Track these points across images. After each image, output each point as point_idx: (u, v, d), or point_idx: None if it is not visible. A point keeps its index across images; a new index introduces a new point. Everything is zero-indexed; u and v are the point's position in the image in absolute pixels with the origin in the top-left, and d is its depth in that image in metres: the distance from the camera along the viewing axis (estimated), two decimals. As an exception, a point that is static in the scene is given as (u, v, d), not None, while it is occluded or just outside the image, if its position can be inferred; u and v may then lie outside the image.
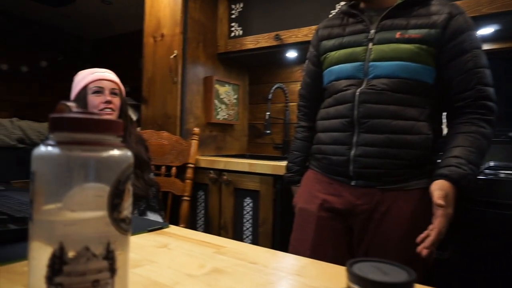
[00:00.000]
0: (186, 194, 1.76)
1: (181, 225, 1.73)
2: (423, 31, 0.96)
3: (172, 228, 0.75)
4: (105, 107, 1.37)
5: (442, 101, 1.03)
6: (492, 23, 1.46)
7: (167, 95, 2.00)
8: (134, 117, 2.30)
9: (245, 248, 0.62)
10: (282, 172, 1.54)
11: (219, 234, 1.73)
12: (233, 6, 2.13)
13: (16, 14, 3.70)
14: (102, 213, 0.33)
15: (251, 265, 0.54)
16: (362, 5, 1.09)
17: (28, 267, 0.32)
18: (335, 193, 1.05)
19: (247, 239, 1.69)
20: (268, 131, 2.09)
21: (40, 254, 0.31)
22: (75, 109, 0.37)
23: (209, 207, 1.81)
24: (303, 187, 1.17)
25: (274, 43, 1.94)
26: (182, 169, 1.83)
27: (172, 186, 1.81)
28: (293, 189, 1.29)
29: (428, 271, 0.99)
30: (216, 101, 2.14)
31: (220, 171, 1.76)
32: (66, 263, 0.31)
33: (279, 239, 1.57)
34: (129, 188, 0.35)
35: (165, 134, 1.92)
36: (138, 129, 2.05)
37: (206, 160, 1.82)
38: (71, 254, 0.31)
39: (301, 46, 1.88)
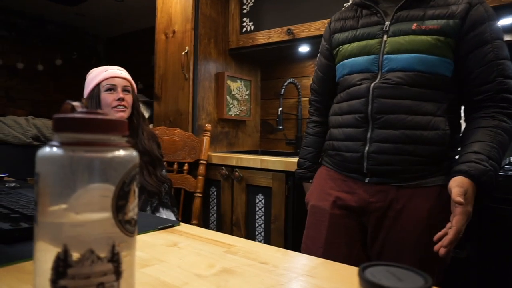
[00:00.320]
0: (198, 190, 1.76)
1: (194, 222, 1.74)
2: (441, 21, 0.92)
3: (183, 226, 0.74)
4: (118, 104, 1.38)
5: (460, 95, 0.99)
6: (513, 13, 1.40)
7: (179, 91, 2.01)
8: (146, 114, 2.32)
9: (256, 248, 0.61)
10: (294, 168, 1.52)
11: (231, 231, 1.73)
12: (244, 1, 2.11)
13: (31, 14, 3.77)
14: (107, 215, 0.32)
15: (262, 265, 0.53)
16: None
17: (33, 269, 0.32)
18: (348, 190, 1.03)
19: (259, 235, 1.69)
20: (281, 127, 2.07)
21: (45, 256, 0.31)
22: (80, 109, 0.36)
23: (221, 203, 1.81)
24: (315, 184, 1.15)
25: (286, 37, 1.92)
26: (194, 166, 1.83)
27: (185, 183, 1.82)
28: (304, 186, 1.27)
29: (445, 271, 0.96)
30: (228, 97, 2.14)
31: (232, 168, 1.75)
32: (70, 266, 0.30)
33: (291, 235, 1.56)
34: (135, 189, 0.34)
35: (177, 130, 1.93)
36: (151, 126, 2.06)
37: (218, 157, 1.82)
38: (75, 256, 0.31)
39: (314, 40, 1.85)
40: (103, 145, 0.33)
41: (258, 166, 1.65)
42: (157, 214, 1.42)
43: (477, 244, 1.11)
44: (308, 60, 2.26)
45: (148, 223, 0.75)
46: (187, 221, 1.74)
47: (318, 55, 1.23)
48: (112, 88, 1.39)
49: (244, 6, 2.11)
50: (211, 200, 1.88)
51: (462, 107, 1.03)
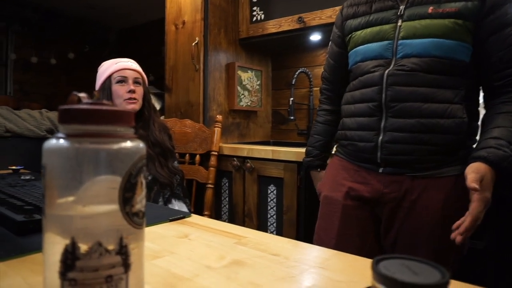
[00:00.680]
0: (210, 181, 1.76)
1: (206, 213, 1.75)
2: (459, 4, 0.88)
3: (194, 218, 0.74)
4: (130, 96, 1.38)
5: (479, 81, 0.95)
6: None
7: (190, 82, 2.00)
8: (158, 106, 2.33)
9: (267, 239, 0.61)
10: (306, 159, 1.51)
11: (243, 222, 1.73)
12: (254, -10, 2.08)
13: (43, 8, 3.80)
14: (114, 207, 0.32)
15: (272, 257, 0.52)
16: None
17: (43, 261, 0.32)
18: (362, 180, 1.01)
19: (271, 226, 1.69)
20: (292, 117, 2.05)
21: (53, 248, 0.31)
22: (86, 100, 0.35)
23: (233, 194, 1.81)
24: (328, 175, 1.14)
25: (297, 26, 1.88)
26: (205, 157, 1.83)
27: (196, 174, 1.82)
28: (312, 174, 1.25)
29: (462, 262, 0.94)
30: (238, 88, 2.12)
31: (243, 159, 1.75)
32: (78, 259, 0.30)
33: (303, 226, 1.55)
34: (142, 181, 0.34)
35: (188, 122, 1.93)
36: (162, 117, 2.06)
37: (229, 148, 1.82)
38: (83, 249, 0.30)
39: (325, 28, 1.81)
40: (109, 136, 0.32)
41: (270, 156, 1.64)
42: (170, 206, 1.43)
43: (495, 234, 1.09)
44: (320, 48, 2.22)
45: (159, 214, 0.75)
46: (200, 212, 1.75)
47: (330, 42, 1.20)
48: (123, 80, 1.39)
49: (254, -5, 2.08)
50: (223, 191, 1.89)
51: (481, 94, 0.99)
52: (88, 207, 0.31)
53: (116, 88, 1.39)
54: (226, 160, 1.83)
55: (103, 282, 0.31)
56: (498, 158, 0.83)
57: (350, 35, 1.07)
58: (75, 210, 0.31)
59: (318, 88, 2.17)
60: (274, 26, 1.97)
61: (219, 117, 1.85)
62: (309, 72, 2.18)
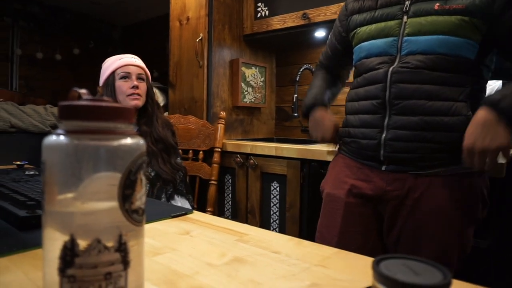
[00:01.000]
0: (213, 178, 1.76)
1: (209, 209, 1.75)
2: (466, 1, 0.87)
3: (196, 214, 0.74)
4: (133, 92, 1.38)
5: (484, 79, 0.94)
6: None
7: (194, 79, 2.00)
8: (162, 101, 2.33)
9: (268, 236, 0.60)
10: (309, 156, 1.51)
11: (246, 218, 1.73)
12: (258, -15, 2.07)
13: (49, 3, 3.81)
14: (113, 204, 0.31)
15: (274, 254, 0.52)
16: None
17: (42, 257, 0.32)
18: (364, 178, 1.01)
19: (274, 223, 1.68)
20: (296, 114, 2.04)
21: (52, 245, 0.31)
22: (86, 96, 0.35)
23: (236, 191, 1.81)
24: (331, 172, 1.13)
25: (302, 22, 1.87)
26: (209, 153, 1.83)
27: (200, 170, 1.82)
28: (317, 110, 1.17)
29: (465, 261, 0.94)
30: (242, 84, 2.12)
31: (246, 155, 1.74)
32: (77, 255, 0.30)
33: (306, 223, 1.55)
34: (142, 178, 0.34)
35: (192, 118, 1.93)
36: (166, 114, 2.07)
37: (233, 144, 1.81)
38: (82, 246, 0.30)
39: (330, 24, 1.79)
40: (109, 133, 0.32)
41: (273, 153, 1.64)
42: (172, 202, 1.43)
43: (498, 233, 1.08)
44: (324, 45, 2.20)
45: (161, 211, 0.75)
46: (203, 208, 1.75)
47: (331, 33, 1.21)
48: (126, 76, 1.39)
49: (259, -9, 2.07)
50: (226, 187, 1.89)
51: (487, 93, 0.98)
52: (87, 203, 0.31)
53: (120, 84, 1.39)
54: (229, 157, 1.83)
55: (102, 279, 0.31)
56: (496, 100, 0.81)
57: (354, 31, 1.06)
58: (74, 206, 0.31)
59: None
60: (279, 22, 1.96)
61: (223, 114, 1.84)
62: (313, 69, 2.17)
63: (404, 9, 0.94)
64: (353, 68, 1.11)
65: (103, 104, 0.32)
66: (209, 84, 1.97)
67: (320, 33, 2.01)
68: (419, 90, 0.89)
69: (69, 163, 0.31)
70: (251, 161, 1.70)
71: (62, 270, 0.30)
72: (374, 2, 1.01)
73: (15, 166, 1.29)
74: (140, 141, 0.34)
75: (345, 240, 0.99)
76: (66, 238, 0.30)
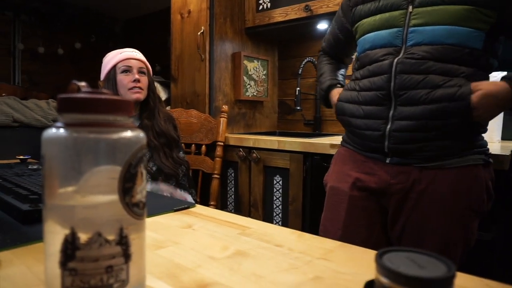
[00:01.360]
0: (215, 172, 1.76)
1: (212, 203, 1.75)
2: None
3: (198, 208, 0.74)
4: (134, 85, 1.38)
5: (490, 70, 0.93)
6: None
7: (196, 72, 1.99)
8: (164, 96, 2.32)
9: (271, 230, 0.60)
10: (312, 149, 1.50)
11: (249, 212, 1.74)
12: (260, -23, 2.05)
13: (50, -2, 3.79)
14: (114, 197, 0.31)
15: (276, 248, 0.52)
16: None
17: (44, 250, 0.32)
18: (368, 171, 1.00)
19: (277, 217, 1.69)
20: (299, 107, 2.03)
21: (53, 238, 0.31)
22: (85, 89, 0.35)
23: (239, 185, 1.81)
24: (334, 165, 1.12)
25: (304, 14, 1.85)
26: (211, 147, 1.83)
27: (202, 164, 1.82)
28: (333, 92, 1.17)
29: (469, 254, 0.93)
30: (244, 78, 2.11)
31: (249, 149, 1.74)
32: (78, 249, 0.30)
33: (309, 217, 1.55)
34: (142, 171, 0.33)
35: (194, 112, 1.92)
36: (168, 108, 2.06)
37: (235, 138, 1.81)
38: (83, 239, 0.30)
39: (333, 16, 1.76)
40: (108, 125, 0.31)
41: (276, 147, 1.63)
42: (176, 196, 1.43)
43: (503, 226, 1.07)
44: (327, 37, 2.18)
45: (164, 204, 0.75)
46: (206, 202, 1.76)
47: (333, 21, 1.21)
48: (127, 70, 1.39)
49: (260, -17, 2.05)
50: (228, 181, 1.89)
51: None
52: (88, 197, 0.31)
53: (121, 77, 1.38)
54: (232, 151, 1.82)
55: (103, 273, 0.31)
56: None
57: (358, 23, 1.04)
58: (75, 200, 0.31)
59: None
60: (281, 14, 1.94)
61: (225, 107, 1.84)
62: (316, 62, 2.15)
63: None
64: (356, 61, 1.10)
65: (102, 96, 0.32)
66: (211, 78, 1.96)
67: (322, 25, 1.99)
68: (424, 80, 0.88)
69: (69, 156, 0.30)
70: (254, 154, 1.70)
71: (63, 264, 0.30)
72: None
73: (18, 161, 1.30)
74: (140, 134, 0.33)
75: (349, 234, 0.99)
76: (66, 231, 0.30)
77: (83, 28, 4.18)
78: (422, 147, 0.90)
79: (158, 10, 4.00)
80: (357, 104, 1.01)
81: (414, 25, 0.90)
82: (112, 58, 1.42)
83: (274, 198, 1.69)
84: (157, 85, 2.00)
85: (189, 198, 1.46)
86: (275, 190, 1.68)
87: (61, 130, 0.30)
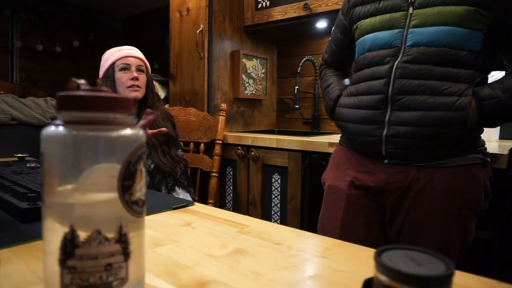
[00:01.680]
0: (214, 170, 1.76)
1: (210, 201, 1.75)
2: None
3: (197, 206, 0.74)
4: (132, 83, 1.38)
5: (489, 70, 0.93)
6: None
7: (194, 71, 1.99)
8: (163, 94, 2.32)
9: (270, 228, 0.60)
10: (310, 148, 1.50)
11: (247, 210, 1.74)
12: (259, -24, 2.04)
13: (48, -5, 3.77)
14: (113, 195, 0.31)
15: (275, 246, 0.52)
16: None
17: (43, 248, 0.32)
18: (366, 170, 1.00)
19: (275, 215, 1.69)
20: (297, 106, 2.04)
21: (53, 236, 0.31)
22: (84, 87, 0.35)
23: (238, 183, 1.82)
24: (332, 164, 1.12)
25: (303, 13, 1.85)
26: (210, 146, 1.83)
27: (201, 162, 1.82)
28: None
29: (467, 252, 0.94)
30: (243, 76, 2.10)
31: (248, 147, 1.74)
32: (77, 246, 0.30)
33: (307, 215, 1.55)
34: (141, 169, 0.33)
35: (192, 110, 1.92)
36: (166, 106, 2.06)
37: (234, 136, 1.81)
38: (82, 237, 0.30)
39: (332, 15, 1.78)
40: (107, 123, 0.31)
41: (274, 145, 1.63)
42: (174, 194, 1.43)
43: (500, 225, 1.08)
44: (326, 36, 2.18)
45: (163, 202, 0.75)
46: (204, 200, 1.76)
47: (334, 28, 1.18)
48: (126, 68, 1.39)
49: (259, -19, 2.05)
50: (227, 179, 1.89)
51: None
52: (87, 195, 0.31)
53: (119, 75, 1.38)
54: (230, 149, 1.82)
55: (102, 270, 0.31)
56: (484, 94, 0.86)
57: (357, 23, 1.04)
58: (74, 198, 0.31)
59: (324, 77, 2.14)
60: (280, 13, 1.94)
61: (224, 106, 1.84)
62: (315, 60, 2.16)
63: (409, 0, 0.92)
64: (354, 63, 1.09)
65: (102, 94, 0.31)
66: (209, 76, 1.96)
67: (321, 24, 1.99)
68: (423, 85, 0.88)
69: (68, 154, 0.30)
70: (252, 153, 1.70)
71: (62, 261, 0.30)
72: None
73: (16, 159, 1.29)
74: (140, 132, 0.33)
75: (347, 232, 0.99)
76: (66, 229, 0.30)
77: (81, 26, 4.17)
78: (420, 152, 0.91)
79: (157, 7, 3.99)
80: (353, 108, 1.01)
81: (414, 26, 0.90)
82: (110, 56, 1.41)
83: (273, 196, 1.69)
84: (155, 83, 2.00)
85: (188, 197, 1.46)
86: (273, 188, 1.68)
87: (61, 128, 0.30)
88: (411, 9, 0.92)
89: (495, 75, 1.31)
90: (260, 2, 2.04)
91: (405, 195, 0.94)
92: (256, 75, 2.21)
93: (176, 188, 1.44)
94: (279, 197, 1.67)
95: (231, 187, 1.87)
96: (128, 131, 0.32)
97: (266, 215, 1.72)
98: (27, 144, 1.59)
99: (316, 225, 1.10)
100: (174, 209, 0.71)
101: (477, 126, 0.91)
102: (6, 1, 3.54)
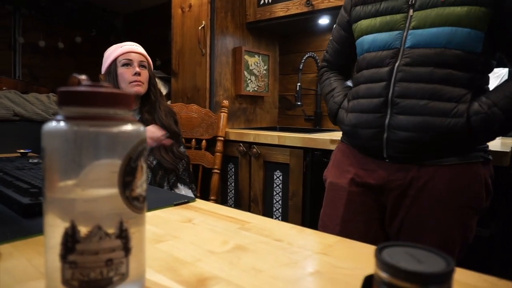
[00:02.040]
0: (216, 167, 1.76)
1: (212, 198, 1.76)
2: None
3: (198, 202, 0.74)
4: (135, 79, 1.38)
5: (488, 73, 0.92)
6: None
7: (196, 67, 1.98)
8: (164, 91, 2.32)
9: (271, 224, 0.60)
10: (312, 144, 1.50)
11: (249, 207, 1.74)
12: (262, -28, 2.03)
13: (50, -9, 3.77)
14: (114, 191, 0.31)
15: (276, 242, 0.52)
16: None
17: (44, 243, 0.32)
18: (367, 167, 1.00)
19: (276, 212, 1.69)
20: (299, 103, 2.03)
21: (54, 231, 0.31)
22: (86, 82, 0.35)
23: (239, 180, 1.82)
24: (333, 161, 1.12)
25: (305, 9, 1.84)
26: (212, 142, 1.83)
27: (203, 159, 1.82)
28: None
29: (467, 250, 0.93)
30: (245, 73, 2.10)
31: (249, 144, 1.74)
32: (78, 242, 0.30)
33: (309, 212, 1.56)
34: (142, 165, 0.33)
35: (194, 107, 1.92)
36: (168, 102, 2.06)
37: (236, 133, 1.81)
38: (83, 232, 0.30)
39: (334, 11, 1.77)
40: (108, 119, 0.31)
41: (276, 142, 1.63)
42: (176, 190, 1.44)
43: (501, 223, 1.08)
44: (328, 32, 2.17)
45: (164, 198, 0.75)
46: (206, 197, 1.76)
47: (335, 25, 1.17)
48: (128, 63, 1.39)
49: (262, -23, 2.04)
50: (229, 176, 1.89)
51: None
52: (88, 190, 0.31)
53: (122, 71, 1.38)
54: (232, 146, 1.82)
55: (103, 266, 0.31)
56: (472, 111, 0.85)
57: (357, 23, 1.03)
58: (75, 193, 0.31)
59: (326, 73, 2.13)
60: (282, 9, 1.93)
61: (226, 102, 1.84)
62: (317, 57, 2.15)
63: (410, 2, 0.91)
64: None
65: (103, 90, 0.31)
66: (211, 73, 1.96)
67: (324, 20, 1.99)
68: (423, 89, 0.87)
69: (69, 149, 0.30)
70: (254, 150, 1.70)
71: (63, 256, 0.30)
72: None
73: (18, 154, 1.30)
74: (141, 127, 0.33)
75: (347, 229, 0.99)
76: (67, 224, 0.30)
77: (83, 22, 4.16)
78: (420, 154, 0.91)
79: (159, 4, 3.97)
80: (353, 112, 1.01)
81: (413, 27, 0.90)
82: (113, 51, 1.42)
83: (274, 193, 1.69)
84: (157, 80, 2.00)
85: (190, 193, 1.46)
86: (275, 185, 1.69)
87: (62, 124, 0.30)
88: (411, 11, 0.91)
89: (497, 72, 1.31)
90: (262, -2, 2.04)
91: (406, 193, 0.94)
92: (258, 71, 2.20)
93: (178, 184, 1.45)
94: (280, 194, 1.67)
95: (233, 184, 1.88)
96: (129, 127, 0.32)
97: (267, 212, 1.72)
98: (29, 140, 1.60)
99: (318, 222, 1.10)
100: (175, 205, 0.71)
101: (473, 142, 0.91)
102: (9, -3, 3.54)
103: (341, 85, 1.14)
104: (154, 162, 1.39)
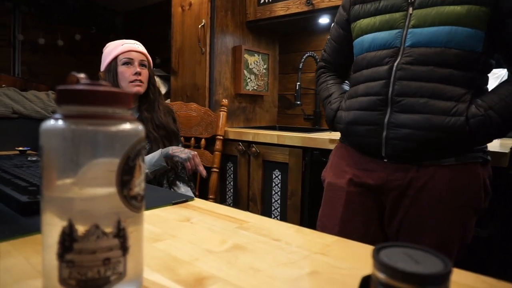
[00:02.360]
0: (215, 165, 1.76)
1: (211, 197, 1.76)
2: None
3: (197, 201, 0.74)
4: (135, 78, 1.37)
5: (488, 72, 0.92)
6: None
7: (196, 66, 1.98)
8: (164, 89, 2.31)
9: (269, 224, 0.60)
10: (311, 144, 1.50)
11: (248, 206, 1.74)
12: (262, -30, 2.03)
13: (50, -12, 3.76)
14: (111, 190, 0.31)
15: (274, 242, 0.52)
16: None
17: (42, 242, 0.32)
18: (366, 168, 1.00)
19: (275, 211, 1.69)
20: (299, 102, 2.03)
21: (51, 230, 0.31)
22: (84, 81, 0.35)
23: (238, 179, 1.82)
24: (332, 161, 1.12)
25: (306, 8, 1.84)
26: (211, 141, 1.83)
27: (201, 158, 1.82)
28: None
29: (466, 250, 0.94)
30: (245, 72, 2.10)
31: (249, 143, 1.74)
32: (76, 241, 0.30)
33: (308, 212, 1.56)
34: (140, 164, 0.33)
35: (194, 106, 1.92)
36: (168, 101, 2.06)
37: (235, 132, 1.81)
38: (80, 231, 0.30)
39: (334, 11, 1.75)
40: (106, 118, 0.31)
41: (275, 141, 1.63)
42: (175, 189, 1.44)
43: (500, 223, 1.08)
44: (328, 32, 2.17)
45: (162, 197, 0.75)
46: (205, 196, 1.76)
47: (333, 24, 1.16)
48: (129, 62, 1.39)
49: (262, -24, 2.03)
50: (228, 175, 1.89)
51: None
52: (86, 189, 0.31)
53: (122, 70, 1.38)
54: (231, 145, 1.82)
55: (100, 265, 0.31)
56: (470, 113, 0.85)
57: (356, 22, 1.03)
58: (73, 192, 0.31)
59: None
60: (282, 8, 1.93)
61: (225, 101, 1.83)
62: (317, 56, 2.15)
63: (409, 0, 0.91)
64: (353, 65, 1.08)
65: (101, 88, 0.31)
66: (211, 71, 1.95)
67: (324, 20, 1.98)
68: (423, 88, 0.87)
69: (67, 148, 0.30)
70: (253, 149, 1.70)
71: (60, 255, 0.30)
72: None
73: (17, 152, 1.30)
74: (139, 126, 0.33)
75: (346, 229, 0.99)
76: (64, 223, 0.30)
77: (83, 20, 4.15)
78: (420, 153, 0.91)
79: (158, 2, 3.97)
80: (352, 110, 1.01)
81: (413, 26, 0.89)
82: (113, 49, 1.41)
83: (273, 192, 1.69)
84: (156, 78, 2.00)
85: (189, 192, 1.46)
86: (274, 184, 1.69)
87: (60, 122, 0.30)
88: (410, 9, 0.91)
89: (497, 73, 1.31)
90: (262, -3, 2.03)
91: (405, 193, 0.94)
92: (257, 70, 2.20)
93: (177, 182, 1.45)
94: (279, 193, 1.67)
95: (232, 183, 1.88)
96: (127, 126, 0.32)
97: (266, 211, 1.72)
98: (28, 138, 1.59)
99: (316, 222, 1.10)
100: (174, 204, 0.71)
101: (472, 143, 0.91)
102: (8, -6, 3.53)
103: (338, 91, 1.14)
104: (153, 161, 1.39)
